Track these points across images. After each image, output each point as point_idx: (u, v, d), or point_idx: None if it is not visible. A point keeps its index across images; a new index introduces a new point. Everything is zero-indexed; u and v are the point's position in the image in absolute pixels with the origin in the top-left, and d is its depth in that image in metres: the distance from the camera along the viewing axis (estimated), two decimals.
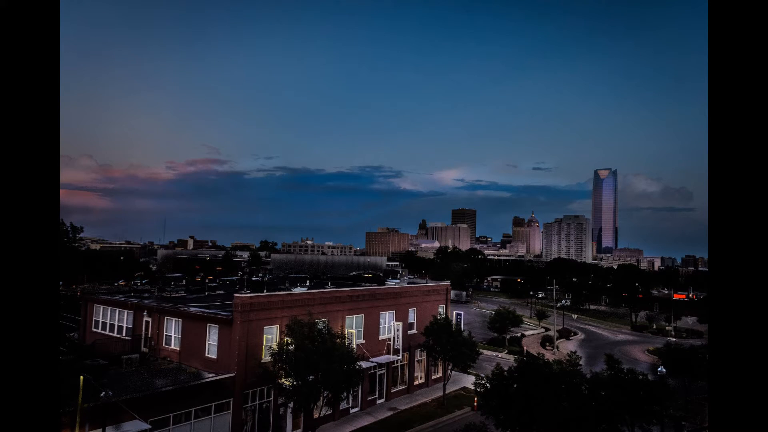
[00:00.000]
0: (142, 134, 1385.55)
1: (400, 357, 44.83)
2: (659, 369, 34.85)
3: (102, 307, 42.31)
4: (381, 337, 43.92)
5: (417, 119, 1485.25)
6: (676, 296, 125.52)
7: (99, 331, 41.64)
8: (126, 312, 39.95)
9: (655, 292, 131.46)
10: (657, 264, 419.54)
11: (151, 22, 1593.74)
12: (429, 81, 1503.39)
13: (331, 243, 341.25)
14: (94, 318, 42.77)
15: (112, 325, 40.93)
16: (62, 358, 26.46)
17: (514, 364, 30.75)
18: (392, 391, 44.78)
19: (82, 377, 24.25)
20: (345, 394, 33.03)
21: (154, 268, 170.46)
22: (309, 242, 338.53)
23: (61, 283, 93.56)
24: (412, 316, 47.78)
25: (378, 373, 43.48)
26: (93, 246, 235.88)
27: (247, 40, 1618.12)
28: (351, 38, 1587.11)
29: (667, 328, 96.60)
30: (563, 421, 26.71)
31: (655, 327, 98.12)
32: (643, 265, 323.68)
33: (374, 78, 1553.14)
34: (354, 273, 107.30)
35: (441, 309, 51.59)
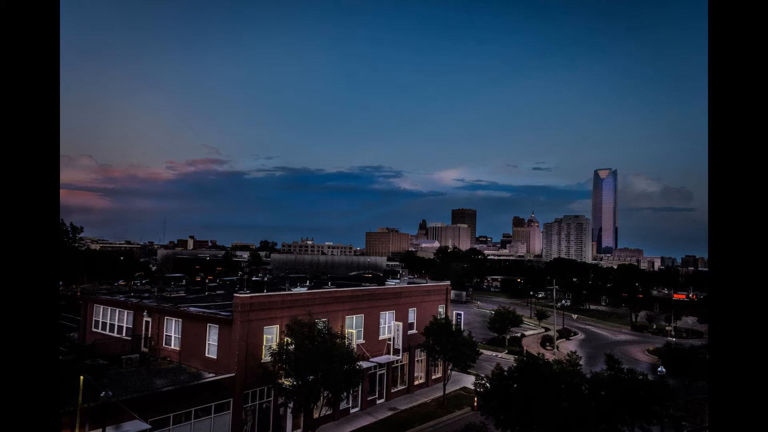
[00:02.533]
0: (142, 134, 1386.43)
1: (400, 357, 44.83)
2: (659, 369, 34.85)
3: (102, 307, 42.32)
4: (381, 337, 43.92)
5: (417, 119, 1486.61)
6: (676, 296, 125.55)
7: (99, 331, 41.64)
8: (126, 312, 39.96)
9: (655, 292, 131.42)
10: (657, 264, 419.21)
11: (151, 22, 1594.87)
12: (429, 81, 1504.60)
13: (331, 243, 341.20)
14: (94, 318, 42.77)
15: (112, 325, 40.94)
16: (62, 358, 26.44)
17: (514, 364, 30.76)
18: (392, 391, 44.77)
19: (82, 377, 24.25)
20: (345, 394, 33.03)
21: (154, 268, 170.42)
22: (309, 242, 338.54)
23: (61, 283, 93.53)
24: (412, 316, 47.78)
25: (378, 373, 43.47)
26: (93, 246, 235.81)
27: (247, 40, 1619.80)
28: (351, 38, 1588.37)
29: (667, 328, 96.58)
30: (563, 421, 26.71)
31: (655, 327, 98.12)
32: (643, 265, 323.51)
33: (374, 78, 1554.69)
34: (354, 273, 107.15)
35: (441, 309, 51.59)
